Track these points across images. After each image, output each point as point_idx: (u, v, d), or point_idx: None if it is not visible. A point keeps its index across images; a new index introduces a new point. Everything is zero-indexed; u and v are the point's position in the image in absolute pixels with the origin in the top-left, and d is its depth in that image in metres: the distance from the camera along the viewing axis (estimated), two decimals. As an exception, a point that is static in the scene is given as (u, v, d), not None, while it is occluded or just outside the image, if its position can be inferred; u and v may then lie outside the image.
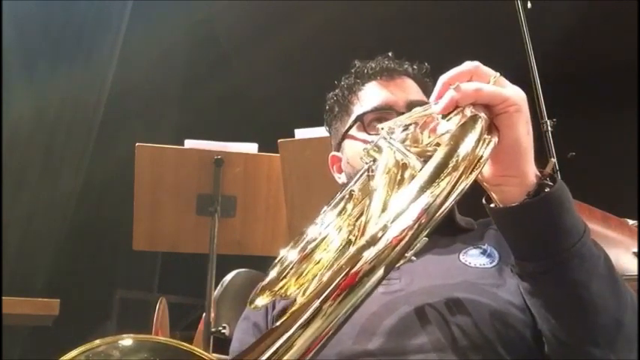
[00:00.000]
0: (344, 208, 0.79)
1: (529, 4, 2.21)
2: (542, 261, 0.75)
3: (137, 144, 2.15)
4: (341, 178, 1.17)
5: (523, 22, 2.20)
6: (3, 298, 1.99)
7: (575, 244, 0.74)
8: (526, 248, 0.77)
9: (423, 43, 2.81)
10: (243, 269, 2.51)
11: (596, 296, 0.74)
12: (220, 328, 1.94)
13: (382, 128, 0.81)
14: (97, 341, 0.51)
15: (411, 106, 1.05)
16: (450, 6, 3.70)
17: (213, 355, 1.85)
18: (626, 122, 3.68)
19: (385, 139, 0.77)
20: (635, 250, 1.36)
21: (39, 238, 3.27)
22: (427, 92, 1.12)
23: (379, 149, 0.77)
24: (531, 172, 0.75)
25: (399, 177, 0.71)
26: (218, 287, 2.35)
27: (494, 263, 0.95)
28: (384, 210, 0.66)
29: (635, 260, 1.34)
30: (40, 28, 3.38)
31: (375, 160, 0.77)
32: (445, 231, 1.04)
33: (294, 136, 2.07)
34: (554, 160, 0.80)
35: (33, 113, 3.27)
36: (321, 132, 1.96)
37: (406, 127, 0.79)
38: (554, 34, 3.47)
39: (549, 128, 2.09)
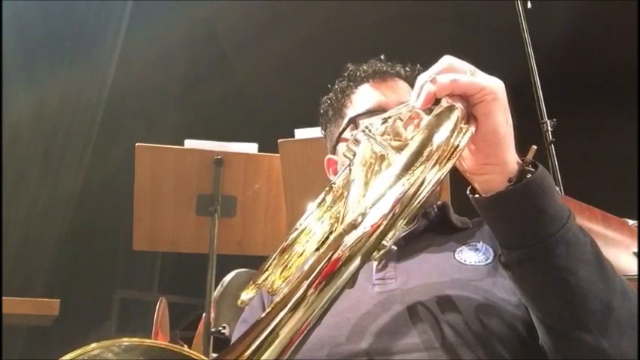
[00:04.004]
0: (323, 199, 0.81)
1: (529, 4, 2.22)
2: (527, 248, 0.74)
3: (137, 144, 2.15)
4: None
5: (523, 22, 2.20)
6: (3, 298, 1.99)
7: (559, 230, 0.73)
8: (510, 236, 0.76)
9: (423, 43, 2.80)
10: (243, 269, 2.51)
11: (584, 281, 0.73)
12: (220, 328, 1.94)
13: (362, 123, 0.82)
14: (93, 345, 0.51)
15: None
16: (449, 6, 3.71)
17: (212, 354, 1.85)
18: (626, 122, 3.68)
19: (364, 131, 0.77)
20: (635, 250, 1.36)
21: (39, 238, 3.27)
22: None
23: (358, 142, 0.78)
24: (512, 159, 0.75)
25: (376, 168, 0.72)
26: (218, 287, 2.35)
27: (489, 260, 0.94)
28: (360, 200, 0.67)
29: (635, 260, 1.34)
30: (40, 28, 3.37)
31: (355, 154, 0.78)
32: (440, 230, 1.04)
33: (294, 136, 2.07)
34: (535, 147, 0.79)
35: (33, 113, 3.27)
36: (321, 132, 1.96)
37: (385, 120, 0.79)
38: (554, 34, 3.47)
39: (549, 128, 2.09)
